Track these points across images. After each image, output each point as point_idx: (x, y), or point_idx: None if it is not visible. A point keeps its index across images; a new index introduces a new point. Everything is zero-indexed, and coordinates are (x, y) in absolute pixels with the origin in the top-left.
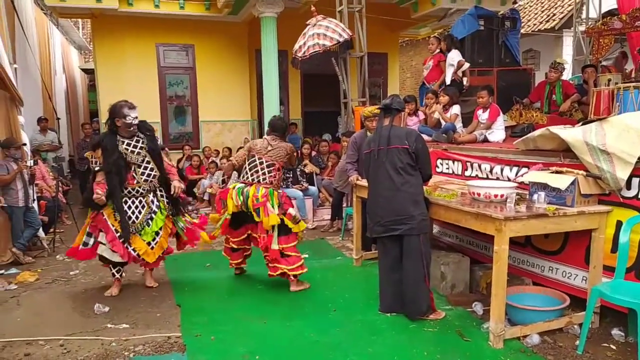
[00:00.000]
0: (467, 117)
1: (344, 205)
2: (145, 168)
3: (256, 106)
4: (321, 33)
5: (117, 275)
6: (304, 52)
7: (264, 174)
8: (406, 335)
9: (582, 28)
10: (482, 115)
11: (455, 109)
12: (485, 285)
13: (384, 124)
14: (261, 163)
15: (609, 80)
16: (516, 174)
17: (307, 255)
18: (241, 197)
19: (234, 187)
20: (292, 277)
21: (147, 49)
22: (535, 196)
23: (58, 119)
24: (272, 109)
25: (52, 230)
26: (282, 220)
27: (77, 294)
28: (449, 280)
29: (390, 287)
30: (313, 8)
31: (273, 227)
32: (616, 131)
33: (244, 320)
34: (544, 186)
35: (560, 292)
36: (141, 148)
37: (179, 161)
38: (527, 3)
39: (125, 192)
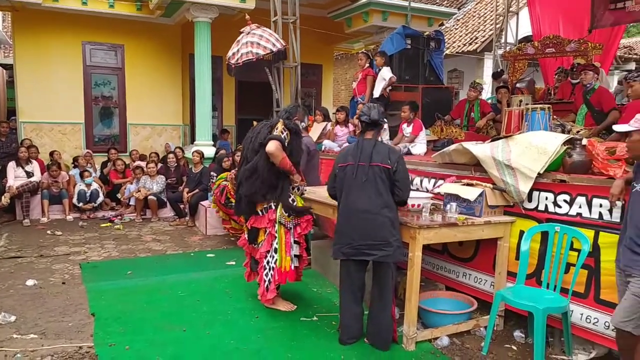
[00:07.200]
0: (394, 130)
1: None
2: None
3: (188, 111)
4: (255, 42)
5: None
6: (237, 60)
7: None
8: (325, 340)
9: (501, 52)
10: (406, 129)
11: None
12: (403, 290)
13: (366, 137)
14: None
15: (521, 101)
16: (434, 185)
17: (233, 263)
18: None
19: None
20: None
21: (72, 47)
22: (448, 206)
23: None
24: (204, 114)
25: None
26: None
27: None
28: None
29: (355, 315)
30: (247, 17)
31: None
32: (520, 148)
33: (162, 329)
34: (456, 197)
35: (471, 296)
36: None
37: (103, 165)
38: (453, 26)
39: None
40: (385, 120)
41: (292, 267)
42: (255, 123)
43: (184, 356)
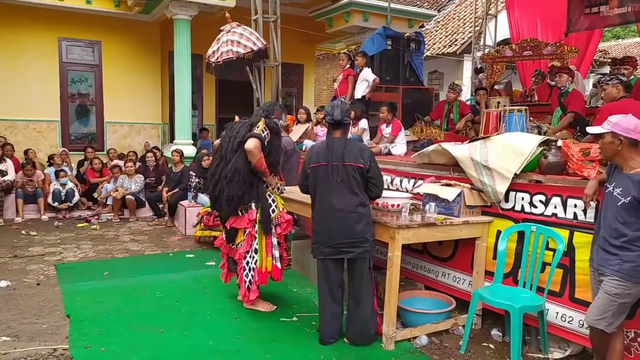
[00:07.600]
0: (374, 130)
1: None
2: None
3: (168, 109)
4: (235, 40)
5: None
6: (217, 58)
7: None
8: (305, 340)
9: (480, 54)
10: (386, 130)
11: (363, 124)
12: (383, 290)
13: (334, 136)
14: None
15: (499, 102)
16: (413, 186)
17: (213, 263)
18: None
19: None
20: None
21: (48, 43)
22: (427, 206)
23: None
24: (183, 112)
25: None
26: None
27: None
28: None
29: (334, 315)
30: (227, 15)
31: None
32: (497, 149)
33: (139, 330)
34: (435, 197)
35: (450, 296)
36: None
37: (80, 163)
38: (433, 27)
39: None
40: (348, 119)
41: (278, 266)
42: (237, 118)
43: (162, 358)
